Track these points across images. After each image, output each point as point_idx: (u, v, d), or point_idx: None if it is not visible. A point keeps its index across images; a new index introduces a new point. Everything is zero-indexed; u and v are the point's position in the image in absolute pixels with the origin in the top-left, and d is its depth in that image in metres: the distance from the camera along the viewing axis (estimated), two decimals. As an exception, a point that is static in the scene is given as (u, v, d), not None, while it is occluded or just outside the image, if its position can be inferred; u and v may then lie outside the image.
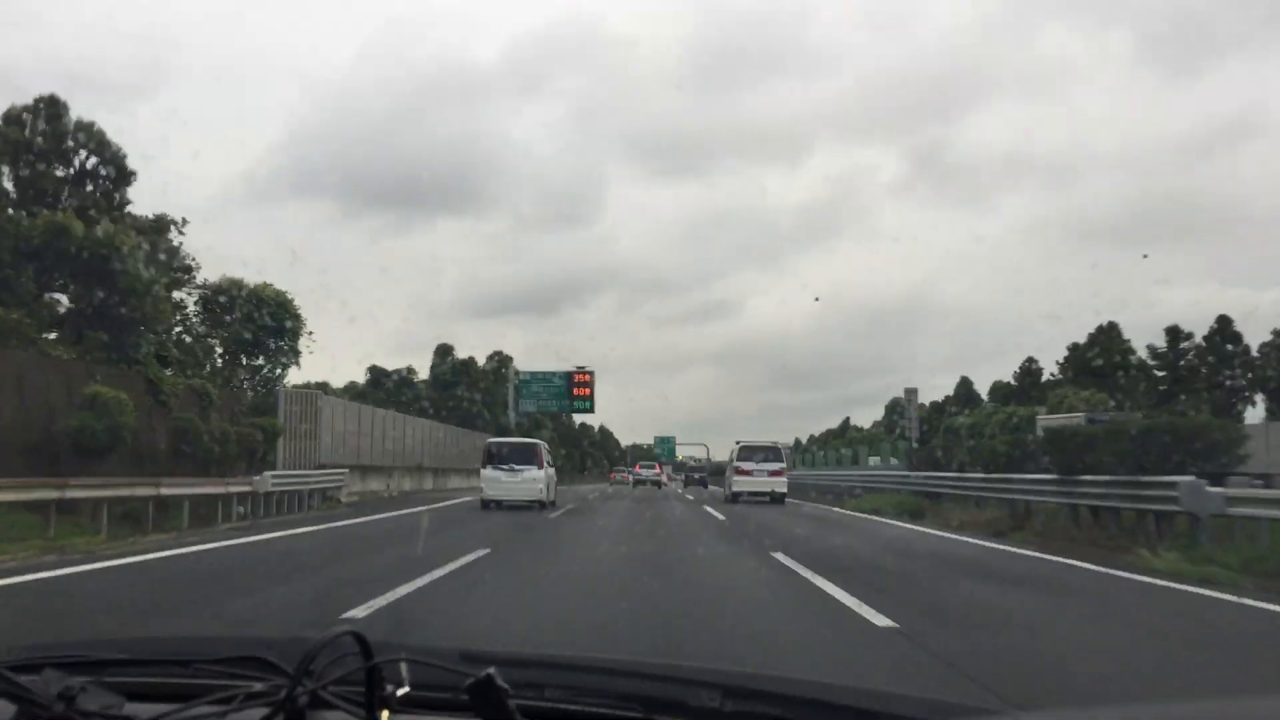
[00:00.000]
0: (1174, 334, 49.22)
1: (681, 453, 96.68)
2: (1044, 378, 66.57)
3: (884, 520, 19.27)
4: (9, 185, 20.28)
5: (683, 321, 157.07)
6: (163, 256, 20.19)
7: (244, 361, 25.68)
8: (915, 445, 27.19)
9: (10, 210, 19.30)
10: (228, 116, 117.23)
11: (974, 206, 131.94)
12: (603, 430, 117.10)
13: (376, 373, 55.89)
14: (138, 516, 16.50)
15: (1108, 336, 57.65)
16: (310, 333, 26.05)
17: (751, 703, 1.22)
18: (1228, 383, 52.50)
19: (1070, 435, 14.40)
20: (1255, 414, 48.75)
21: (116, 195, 21.53)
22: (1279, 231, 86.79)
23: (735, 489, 27.59)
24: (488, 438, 51.91)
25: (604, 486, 57.68)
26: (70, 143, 20.51)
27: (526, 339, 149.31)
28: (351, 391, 53.58)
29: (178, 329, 25.07)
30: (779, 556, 10.82)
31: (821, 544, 13.29)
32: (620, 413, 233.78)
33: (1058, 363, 61.39)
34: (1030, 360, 68.83)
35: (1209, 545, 10.85)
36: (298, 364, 26.00)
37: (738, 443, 28.49)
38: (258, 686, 1.11)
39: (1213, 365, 51.74)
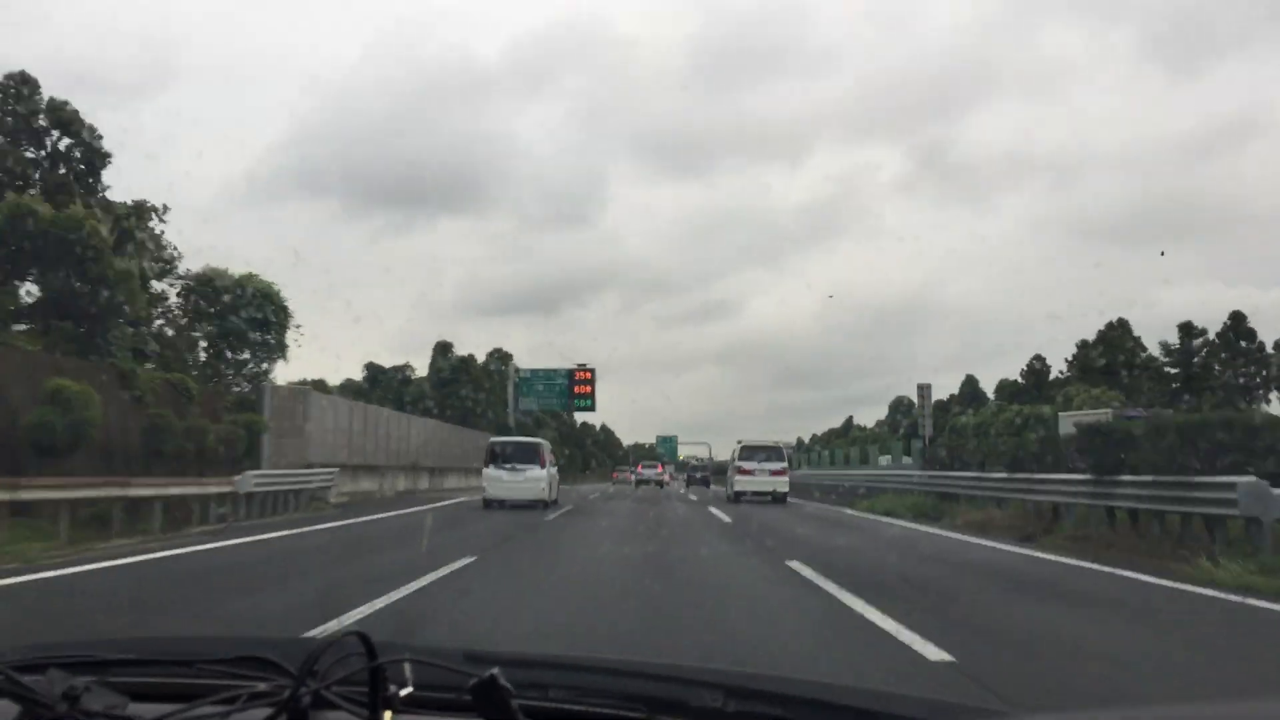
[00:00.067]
0: (1187, 330, 48.16)
1: (684, 452, 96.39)
2: (1051, 376, 65.85)
3: (900, 523, 18.18)
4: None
5: (685, 321, 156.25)
6: (132, 246, 19.07)
7: (230, 356, 24.56)
8: (928, 444, 26.08)
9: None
10: (230, 116, 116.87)
11: (976, 206, 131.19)
12: (605, 430, 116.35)
13: (374, 370, 54.81)
14: (107, 519, 15.46)
15: (1117, 333, 56.67)
16: (298, 326, 24.98)
17: (753, 703, 1.21)
18: (1240, 379, 51.50)
19: (1107, 432, 13.29)
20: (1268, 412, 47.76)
21: (91, 179, 20.43)
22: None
23: (737, 488, 27.40)
24: (487, 436, 51.07)
25: (605, 486, 56.65)
26: (42, 122, 19.43)
27: (529, 339, 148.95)
28: (349, 389, 52.54)
29: (159, 321, 24.01)
30: (796, 566, 9.75)
31: (839, 551, 12.22)
32: (623, 412, 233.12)
33: (1066, 360, 60.42)
34: (1037, 358, 67.85)
35: (1273, 554, 9.76)
36: (285, 358, 24.91)
37: (739, 442, 28.38)
38: (261, 687, 1.09)
39: (1225, 362, 50.71)
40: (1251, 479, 10.11)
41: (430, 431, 39.39)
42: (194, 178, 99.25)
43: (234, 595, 7.95)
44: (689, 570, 9.78)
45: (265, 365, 24.46)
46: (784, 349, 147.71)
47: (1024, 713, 1.17)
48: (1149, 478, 12.03)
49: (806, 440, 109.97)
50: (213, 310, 23.46)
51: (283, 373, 27.77)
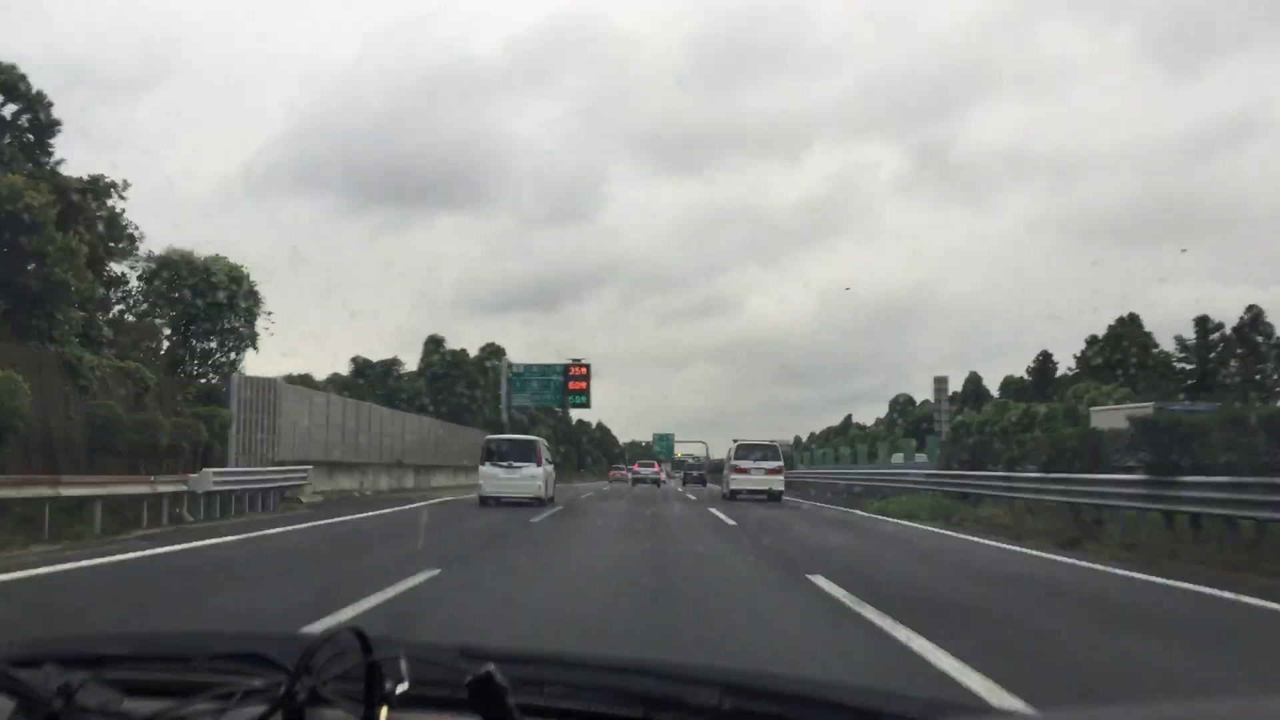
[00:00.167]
0: (1203, 325, 46.53)
1: (680, 450, 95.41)
2: (1057, 373, 64.38)
3: (921, 527, 16.51)
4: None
5: (683, 318, 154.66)
6: (81, 222, 17.36)
7: (196, 345, 22.87)
8: (945, 439, 24.38)
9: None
10: (229, 112, 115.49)
11: (976, 205, 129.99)
12: (601, 428, 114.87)
13: (361, 364, 53.06)
14: (38, 522, 13.80)
15: (1129, 329, 55.17)
16: (269, 313, 23.25)
17: (751, 700, 1.20)
18: (1256, 376, 49.98)
19: (1169, 426, 11.64)
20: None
21: (38, 150, 18.73)
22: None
23: (733, 487, 27.28)
24: (478, 434, 49.49)
25: (600, 485, 55.01)
26: (-20, 87, 17.74)
27: (527, 336, 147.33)
28: (335, 384, 50.85)
29: (118, 307, 22.31)
30: (820, 583, 8.11)
31: (863, 561, 10.58)
32: (619, 410, 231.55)
33: (1075, 357, 58.91)
34: (1044, 355, 66.35)
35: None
36: (255, 347, 23.17)
37: (735, 441, 28.38)
38: (257, 683, 1.09)
39: (1242, 358, 49.13)
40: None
41: (417, 428, 37.72)
42: (192, 173, 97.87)
43: (174, 605, 6.89)
44: (695, 593, 8.08)
45: (234, 355, 22.68)
46: (781, 347, 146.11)
47: (1021, 711, 0.66)
48: (1224, 478, 10.40)
49: (804, 438, 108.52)
50: (176, 295, 21.73)
51: (257, 365, 26.14)
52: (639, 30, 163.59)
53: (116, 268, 22.15)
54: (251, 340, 22.99)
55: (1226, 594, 7.95)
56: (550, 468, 23.58)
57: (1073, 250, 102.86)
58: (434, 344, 59.62)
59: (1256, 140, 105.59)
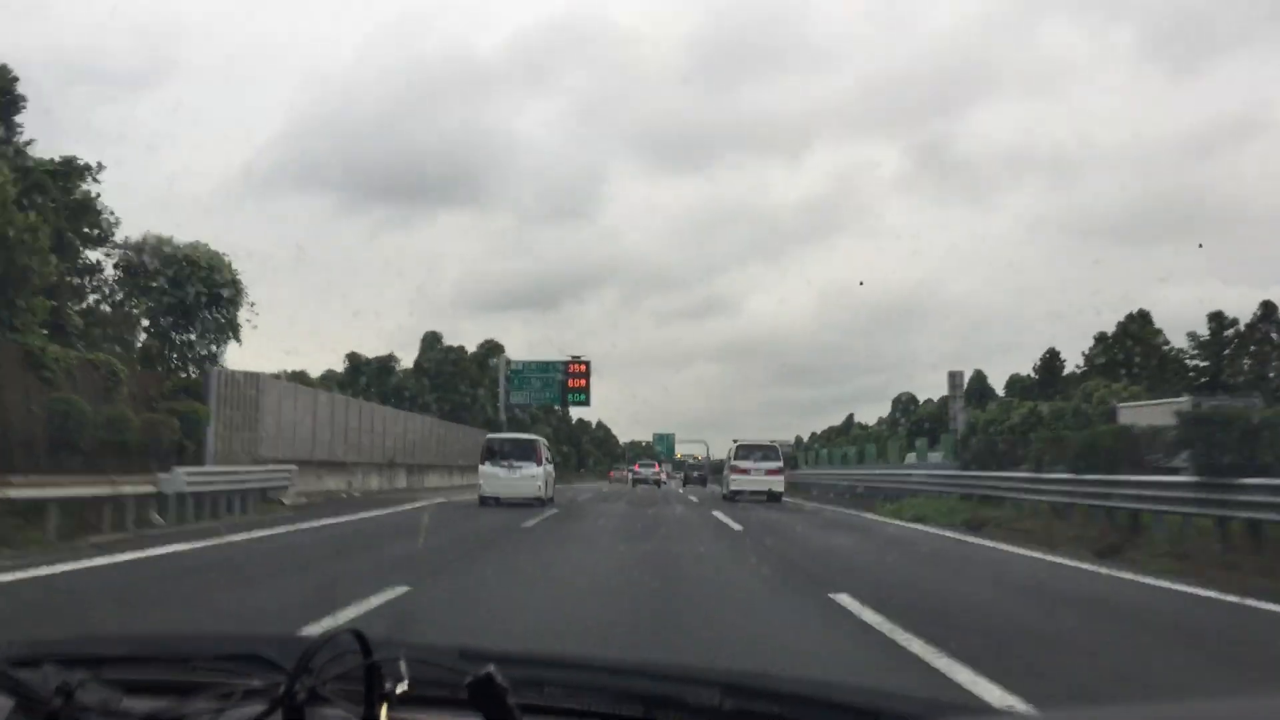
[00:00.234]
0: (1218, 320, 45.37)
1: (681, 450, 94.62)
2: (1063, 371, 63.33)
3: (943, 533, 15.37)
4: None
5: (684, 317, 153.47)
6: (46, 202, 16.24)
7: (175, 338, 21.76)
8: (960, 438, 23.21)
9: None
10: (229, 109, 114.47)
11: (976, 203, 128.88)
12: (602, 427, 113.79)
13: (356, 361, 51.92)
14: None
15: (1139, 325, 54.09)
16: (252, 304, 22.13)
17: (751, 701, 1.19)
18: (1269, 373, 48.85)
19: (1225, 422, 10.52)
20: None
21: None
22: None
23: (733, 487, 27.16)
24: (476, 432, 48.38)
25: (599, 486, 53.93)
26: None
27: (528, 334, 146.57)
28: (329, 381, 49.77)
29: (93, 295, 21.21)
30: (847, 604, 7.02)
31: (891, 575, 9.48)
32: (620, 409, 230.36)
33: (1083, 354, 57.83)
34: (1051, 352, 65.27)
35: None
36: (238, 339, 22.04)
37: (735, 441, 28.34)
38: (256, 682, 1.09)
39: (1255, 354, 47.94)
40: None
41: (411, 426, 36.59)
42: (192, 171, 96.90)
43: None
44: (702, 622, 6.92)
45: (215, 347, 21.56)
46: (782, 346, 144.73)
47: (1020, 710, 0.65)
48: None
49: (805, 438, 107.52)
50: (154, 284, 20.62)
51: (246, 360, 25.03)
52: (639, 29, 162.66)
53: (91, 255, 21.04)
54: (234, 332, 21.85)
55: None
56: (550, 467, 23.37)
57: (1074, 249, 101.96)
58: (431, 340, 58.48)
59: (1257, 140, 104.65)
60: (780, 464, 27.39)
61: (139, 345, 20.99)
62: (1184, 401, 17.92)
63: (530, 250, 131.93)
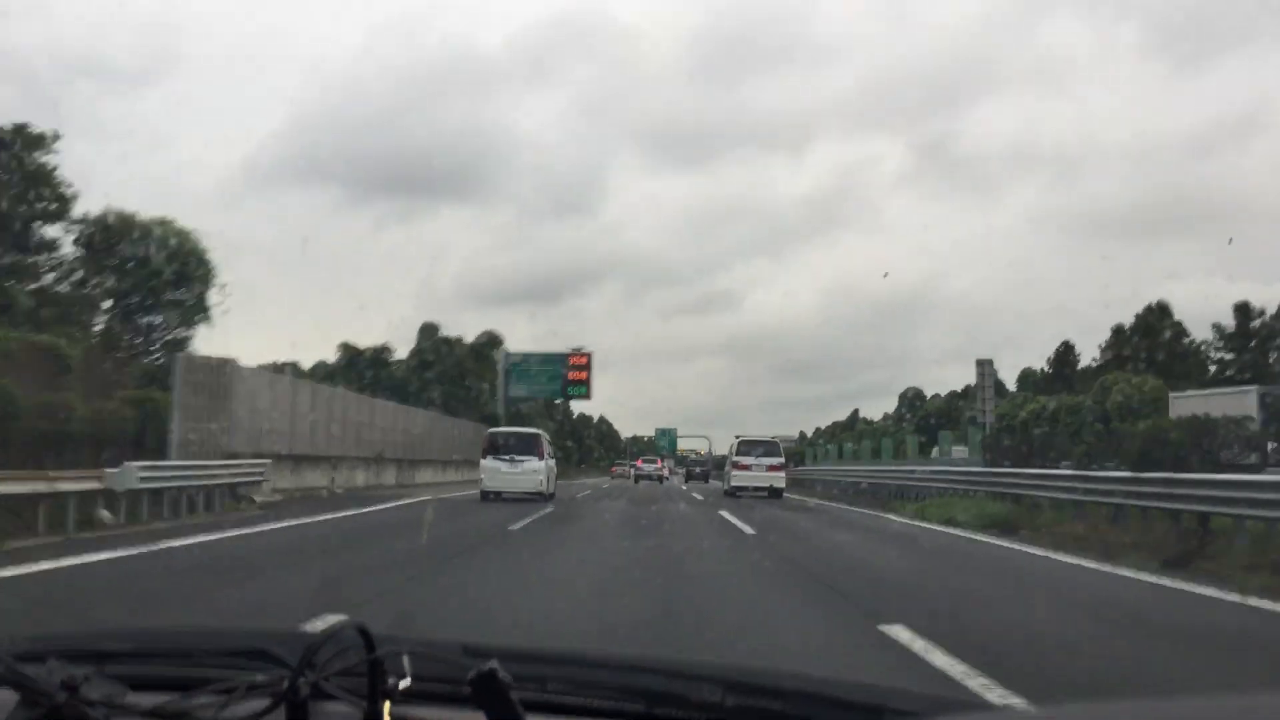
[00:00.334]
0: (1244, 311, 43.62)
1: (683, 445, 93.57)
2: (1079, 365, 61.77)
3: (984, 539, 13.62)
4: None
5: (686, 313, 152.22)
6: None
7: (138, 320, 20.12)
8: (989, 433, 21.42)
9: None
10: (232, 103, 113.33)
11: (980, 199, 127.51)
12: (604, 422, 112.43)
13: (350, 352, 50.27)
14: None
15: (1157, 317, 52.43)
16: (224, 285, 20.47)
17: (753, 697, 1.19)
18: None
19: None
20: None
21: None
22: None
23: (734, 483, 27.12)
24: (472, 426, 46.73)
25: (600, 481, 52.38)
26: None
27: (531, 329, 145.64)
28: (320, 371, 48.19)
29: (49, 274, 19.57)
30: (903, 639, 5.40)
31: (948, 596, 7.81)
32: (623, 405, 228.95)
33: (1099, 347, 56.17)
34: (1065, 345, 63.61)
35: None
36: (209, 321, 20.39)
37: (737, 437, 28.40)
38: (259, 678, 1.08)
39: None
40: None
41: (401, 418, 34.93)
42: (195, 164, 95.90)
43: None
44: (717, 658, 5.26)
45: (183, 331, 19.91)
46: (785, 342, 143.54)
47: (1020, 707, 1.09)
48: None
49: (809, 434, 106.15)
50: (113, 262, 18.98)
51: (215, 344, 23.36)
52: (641, 24, 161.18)
53: (49, 232, 19.41)
54: (203, 314, 20.20)
55: None
56: (552, 462, 23.34)
57: (1080, 245, 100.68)
58: (428, 332, 56.82)
59: (1259, 136, 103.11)
60: (782, 460, 27.37)
61: (98, 328, 19.32)
62: (1248, 391, 16.25)
63: (533, 245, 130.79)
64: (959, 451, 24.73)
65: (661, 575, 9.12)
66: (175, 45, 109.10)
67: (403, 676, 1.06)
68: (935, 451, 28.16)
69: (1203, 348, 47.54)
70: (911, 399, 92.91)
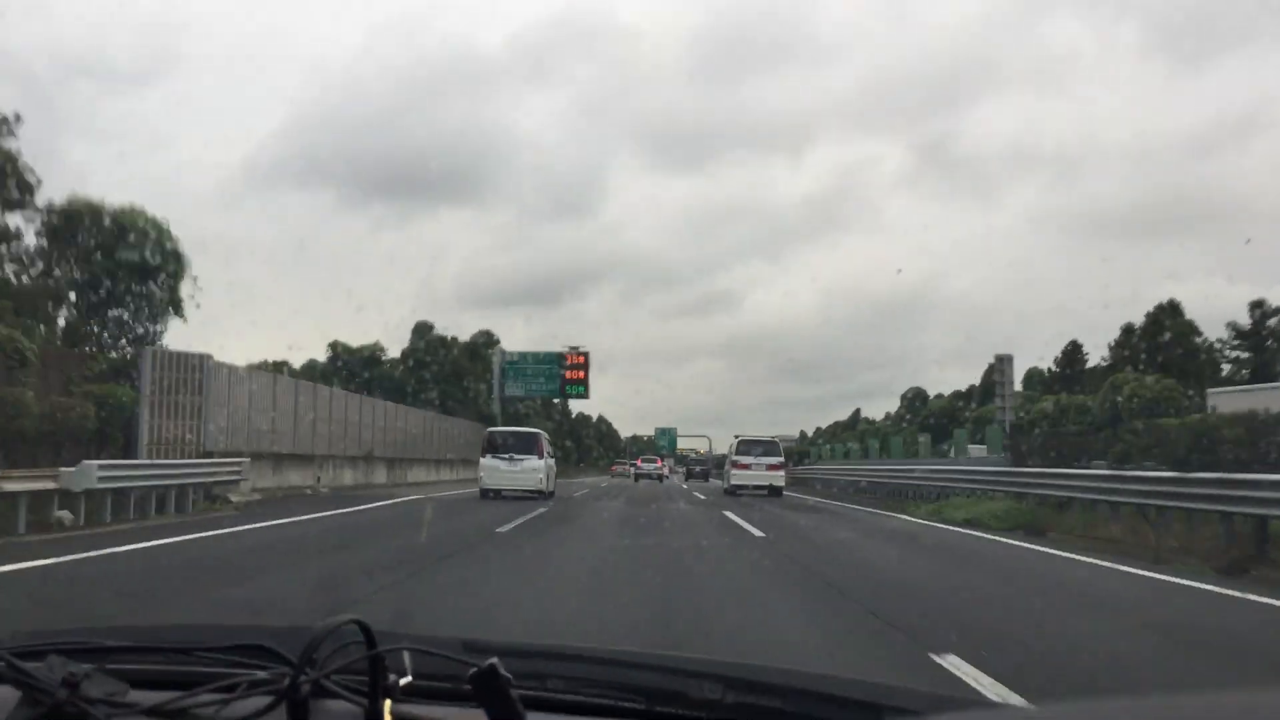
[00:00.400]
0: (1259, 309, 42.48)
1: (683, 445, 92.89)
2: (1087, 365, 60.75)
3: (1017, 544, 12.46)
4: None
5: (686, 313, 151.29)
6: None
7: (107, 314, 19.00)
8: (1009, 430, 20.25)
9: None
10: (232, 103, 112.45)
11: (980, 200, 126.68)
12: (603, 421, 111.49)
13: (340, 350, 49.12)
14: None
15: (1169, 315, 51.29)
16: (195, 278, 19.35)
17: (752, 694, 1.19)
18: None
19: None
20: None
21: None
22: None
23: (734, 482, 27.26)
24: (467, 425, 45.65)
25: (599, 481, 51.33)
26: None
27: (529, 330, 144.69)
28: (311, 371, 47.06)
29: (10, 265, 18.46)
30: (961, 671, 4.31)
31: (1004, 619, 6.68)
32: (623, 404, 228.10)
33: (1109, 346, 55.08)
34: (1073, 344, 62.55)
35: None
36: (181, 316, 19.27)
37: (736, 437, 28.61)
38: (261, 675, 1.08)
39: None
40: None
41: (392, 417, 33.84)
42: (194, 164, 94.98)
43: None
44: None
45: (153, 325, 18.79)
46: (785, 342, 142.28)
47: (1021, 705, 1.02)
48: None
49: (810, 433, 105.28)
50: (80, 253, 17.86)
51: (179, 337, 22.23)
52: (641, 24, 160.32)
53: (11, 221, 18.30)
54: (175, 308, 19.08)
55: None
56: (551, 461, 23.46)
57: (1080, 245, 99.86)
58: (421, 330, 55.65)
59: (1259, 136, 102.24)
60: (781, 459, 27.49)
61: (62, 322, 18.22)
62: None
63: (532, 245, 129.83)
64: (976, 450, 23.57)
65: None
66: (175, 45, 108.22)
67: (403, 673, 1.07)
68: (951, 450, 27.05)
69: (1217, 344, 46.41)
70: (911, 399, 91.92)
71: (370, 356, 47.96)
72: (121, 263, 18.12)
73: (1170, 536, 11.59)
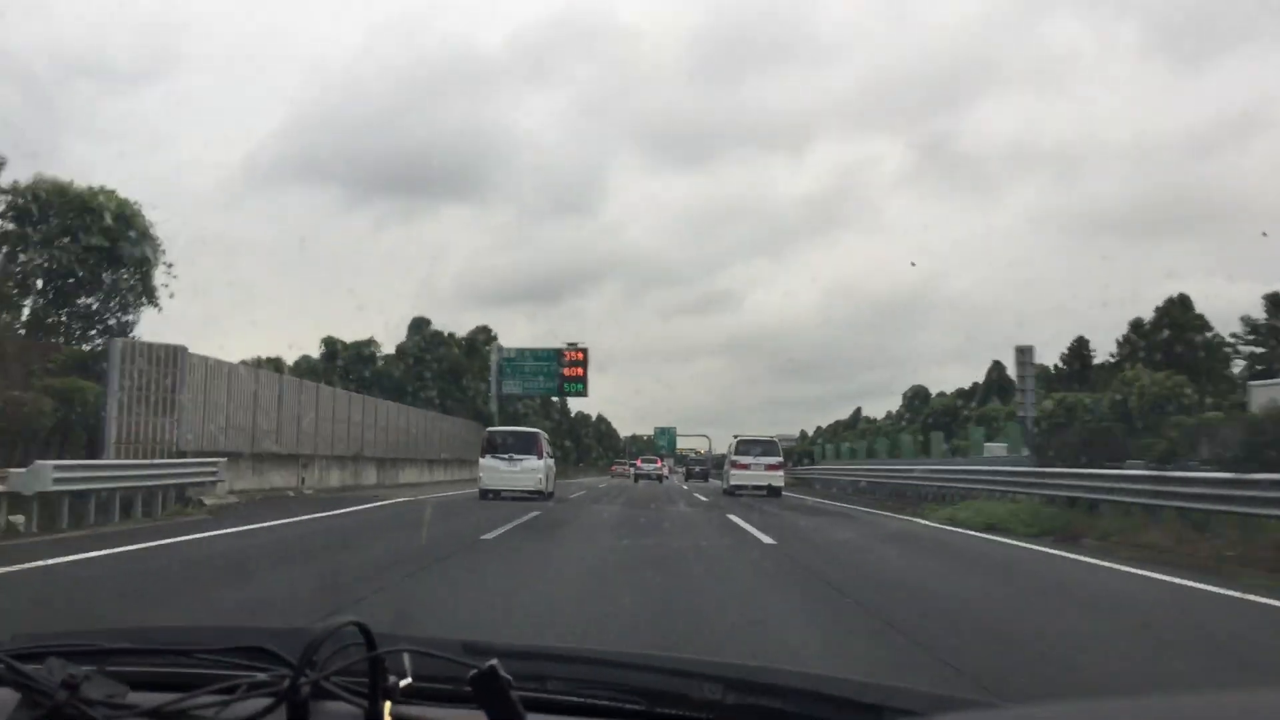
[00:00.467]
0: (1274, 301, 41.45)
1: (682, 445, 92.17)
2: (1093, 361, 59.82)
3: (1056, 553, 11.36)
4: None
5: (686, 312, 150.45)
6: None
7: (81, 303, 17.94)
8: (1031, 428, 19.15)
9: None
10: (232, 103, 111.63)
11: (980, 198, 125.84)
12: (603, 421, 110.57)
13: (333, 345, 48.01)
14: None
15: (1180, 310, 50.34)
16: (169, 265, 18.28)
17: (753, 695, 1.19)
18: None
19: None
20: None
21: None
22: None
23: (733, 482, 27.31)
24: (463, 424, 44.60)
25: (597, 481, 50.37)
26: None
27: (530, 329, 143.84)
28: (302, 367, 45.99)
29: (-29, 253, 17.41)
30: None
31: (1058, 644, 5.64)
32: (622, 404, 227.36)
33: (1118, 341, 54.14)
34: (1080, 341, 61.55)
35: None
36: (155, 304, 18.21)
37: (736, 437, 28.69)
38: (260, 676, 1.07)
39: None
40: None
41: (385, 415, 32.78)
42: (195, 163, 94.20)
43: None
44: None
45: (125, 315, 17.71)
46: (785, 342, 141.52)
47: (1021, 705, 1.01)
48: None
49: (810, 433, 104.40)
50: (38, 236, 16.79)
51: (154, 327, 21.18)
52: (641, 24, 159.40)
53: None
54: (147, 296, 18.00)
55: None
56: (551, 461, 23.34)
57: (1080, 245, 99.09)
58: (417, 326, 54.57)
59: (1259, 136, 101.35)
60: (780, 459, 27.50)
61: (25, 311, 17.15)
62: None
63: (532, 245, 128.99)
64: (994, 448, 22.50)
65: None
66: (175, 45, 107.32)
67: (403, 675, 1.06)
68: (968, 449, 26.02)
69: (1230, 339, 45.45)
70: (911, 398, 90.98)
71: (362, 352, 46.85)
72: (89, 248, 17.02)
73: (1220, 544, 10.54)
